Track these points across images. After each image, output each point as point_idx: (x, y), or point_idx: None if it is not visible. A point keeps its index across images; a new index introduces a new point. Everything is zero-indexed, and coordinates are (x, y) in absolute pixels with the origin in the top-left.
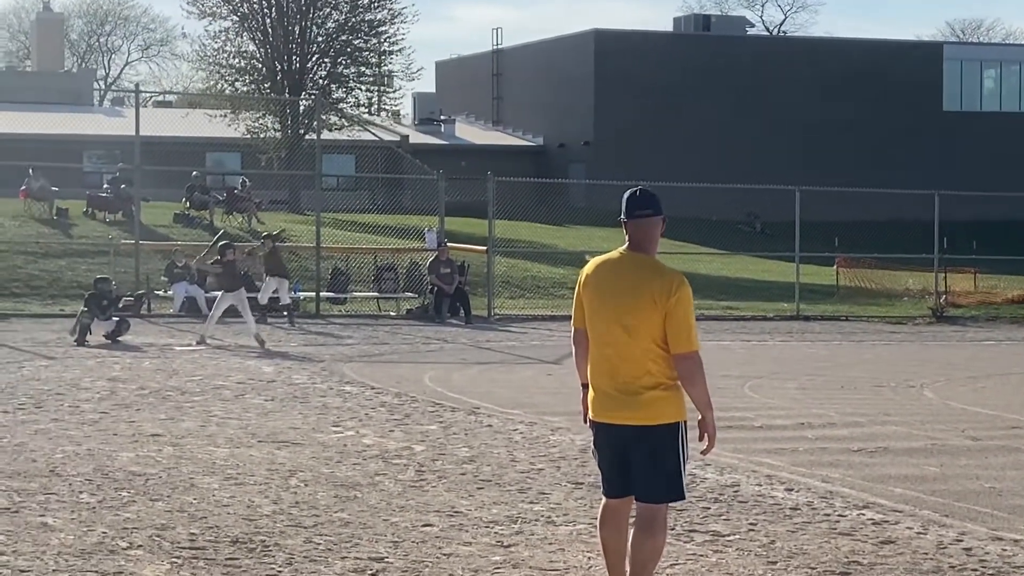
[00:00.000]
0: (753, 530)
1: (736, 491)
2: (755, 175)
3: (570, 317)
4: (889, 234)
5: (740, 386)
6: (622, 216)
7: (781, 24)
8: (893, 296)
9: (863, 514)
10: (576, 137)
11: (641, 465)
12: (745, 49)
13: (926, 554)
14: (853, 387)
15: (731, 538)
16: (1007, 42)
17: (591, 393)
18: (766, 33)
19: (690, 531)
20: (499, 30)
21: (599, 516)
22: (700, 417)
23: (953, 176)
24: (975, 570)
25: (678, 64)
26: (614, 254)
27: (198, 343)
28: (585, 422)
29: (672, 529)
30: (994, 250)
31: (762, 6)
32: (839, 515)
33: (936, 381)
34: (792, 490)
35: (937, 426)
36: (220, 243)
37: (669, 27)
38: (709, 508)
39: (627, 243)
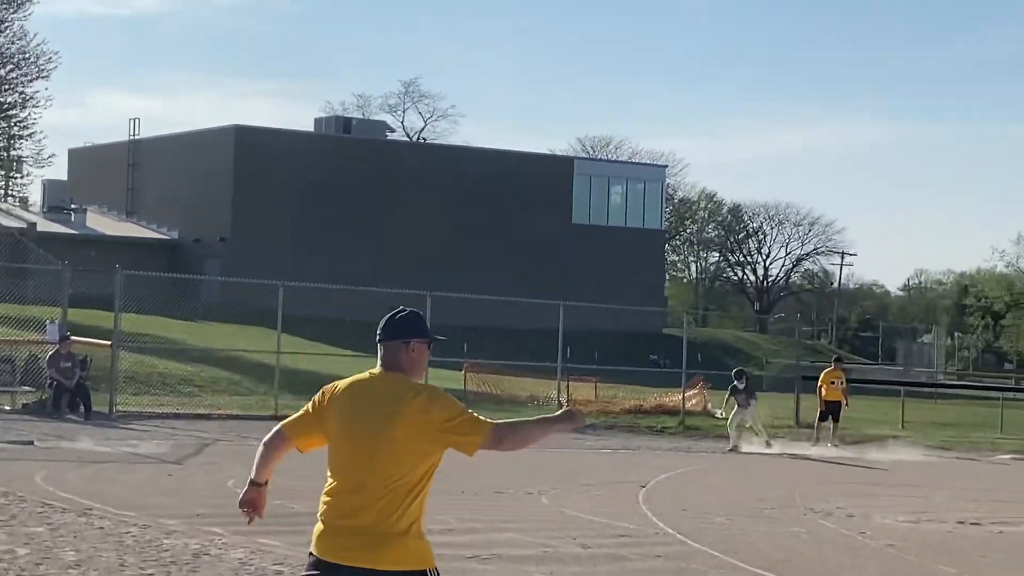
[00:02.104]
0: None
1: None
2: (392, 277)
3: (200, 415)
4: (517, 341)
5: None
6: (377, 335)
7: (421, 131)
8: (518, 402)
9: None
10: (213, 232)
11: None
12: (385, 153)
13: None
14: (474, 492)
15: None
16: (633, 160)
17: (318, 527)
18: (406, 139)
19: None
20: (136, 120)
21: None
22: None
23: (579, 287)
24: None
25: (318, 165)
26: (365, 375)
27: None
28: (249, 521)
29: None
30: (615, 360)
31: (403, 112)
32: None
33: (554, 488)
34: None
35: (551, 533)
36: None
37: (311, 127)
38: None
39: (379, 363)
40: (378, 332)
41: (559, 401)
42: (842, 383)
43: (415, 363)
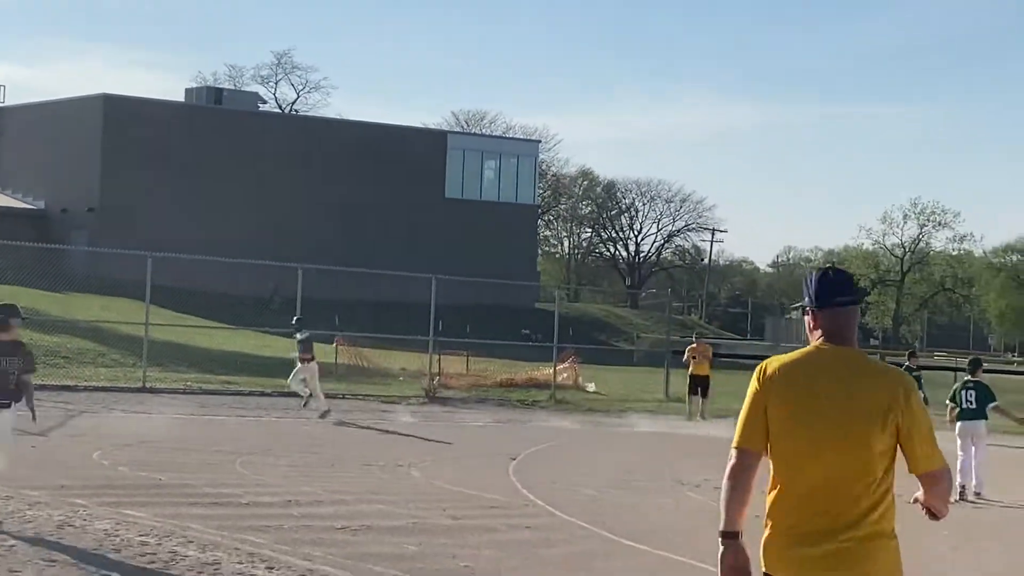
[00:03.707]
0: None
1: (217, 569)
2: (264, 250)
3: (66, 387)
4: (390, 314)
5: (232, 462)
6: (810, 303)
7: (294, 103)
8: (389, 376)
9: None
10: (80, 203)
11: None
12: (257, 125)
13: None
14: (344, 465)
15: None
16: (507, 135)
17: (779, 539)
18: (279, 111)
19: None
20: (2, 88)
21: None
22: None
23: (452, 260)
24: None
25: (189, 135)
26: (811, 351)
27: None
28: None
29: None
30: (487, 334)
31: (275, 83)
32: None
33: (424, 460)
34: (273, 568)
35: (420, 505)
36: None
37: (182, 98)
38: None
39: (820, 335)
40: (817, 296)
41: (430, 374)
42: (706, 357)
43: (855, 332)
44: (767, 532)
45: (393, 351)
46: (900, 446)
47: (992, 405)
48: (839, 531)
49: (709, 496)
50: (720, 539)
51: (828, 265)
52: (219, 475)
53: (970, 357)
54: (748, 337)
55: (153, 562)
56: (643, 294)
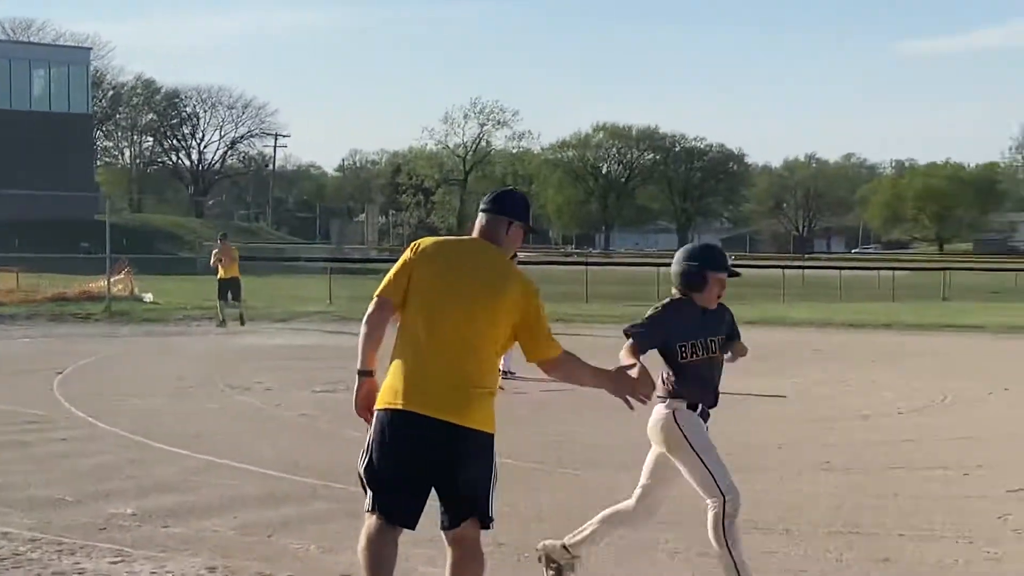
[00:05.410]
0: None
1: None
2: None
3: None
4: None
5: None
6: (483, 205)
7: None
8: None
9: None
10: None
11: (465, 475)
12: None
13: None
14: None
15: None
16: (58, 43)
17: (397, 382)
18: None
19: None
20: None
21: (368, 544)
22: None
23: (5, 175)
24: None
25: None
26: (463, 237)
27: None
28: (365, 412)
29: None
30: (43, 248)
31: None
32: None
33: None
34: None
35: None
36: None
37: None
38: None
39: (476, 231)
40: (485, 203)
41: None
42: (233, 259)
43: (511, 243)
44: (391, 374)
45: None
46: (519, 337)
47: None
48: (465, 380)
49: (258, 398)
50: (357, 376)
51: (509, 187)
52: None
53: None
54: (316, 241)
55: None
56: (209, 202)
